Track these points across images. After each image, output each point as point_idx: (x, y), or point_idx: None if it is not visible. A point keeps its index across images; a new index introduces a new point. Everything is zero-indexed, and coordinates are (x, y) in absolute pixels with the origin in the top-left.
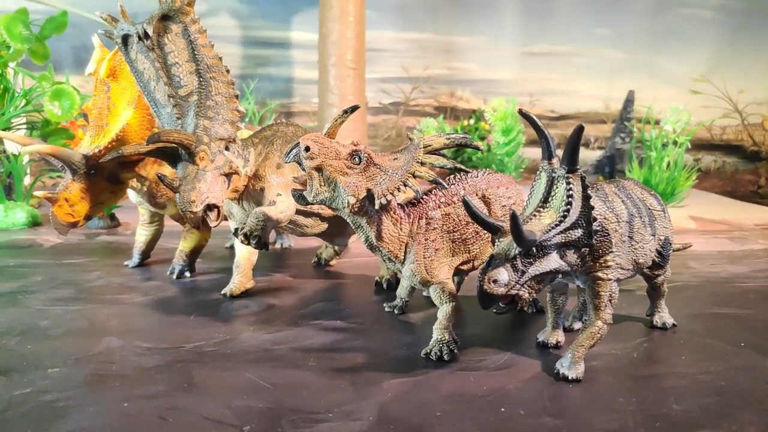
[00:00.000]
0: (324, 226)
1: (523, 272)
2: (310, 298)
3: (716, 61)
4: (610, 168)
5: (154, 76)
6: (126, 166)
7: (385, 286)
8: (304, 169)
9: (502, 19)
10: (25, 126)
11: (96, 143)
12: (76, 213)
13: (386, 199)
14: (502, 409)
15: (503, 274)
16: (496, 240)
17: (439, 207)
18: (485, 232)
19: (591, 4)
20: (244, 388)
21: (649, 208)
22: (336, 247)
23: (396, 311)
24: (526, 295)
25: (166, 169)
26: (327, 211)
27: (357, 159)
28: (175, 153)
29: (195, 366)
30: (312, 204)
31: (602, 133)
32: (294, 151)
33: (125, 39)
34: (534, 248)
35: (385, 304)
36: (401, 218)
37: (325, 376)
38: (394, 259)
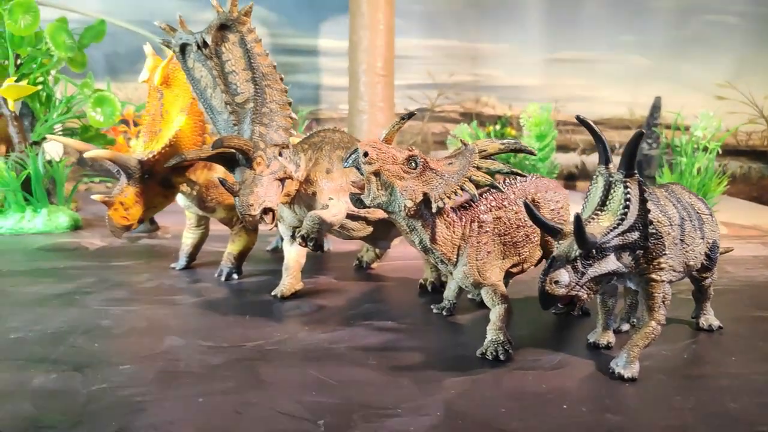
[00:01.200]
0: (369, 229)
1: (583, 273)
2: (357, 299)
3: (741, 67)
4: (638, 173)
5: (212, 84)
6: (178, 171)
7: (429, 288)
8: (362, 174)
9: (528, 27)
10: (61, 132)
11: (150, 148)
12: (131, 216)
13: (443, 203)
14: (564, 406)
15: (564, 275)
16: (556, 242)
17: (491, 210)
18: (535, 235)
19: (616, 11)
20: (311, 384)
21: (698, 212)
22: (377, 250)
23: (444, 313)
24: (585, 296)
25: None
26: (373, 215)
27: (413, 164)
28: (232, 158)
29: (259, 364)
30: (369, 207)
31: (627, 138)
32: (353, 156)
33: (183, 48)
34: (594, 250)
35: (432, 306)
36: (454, 221)
37: (387, 373)
38: (446, 262)
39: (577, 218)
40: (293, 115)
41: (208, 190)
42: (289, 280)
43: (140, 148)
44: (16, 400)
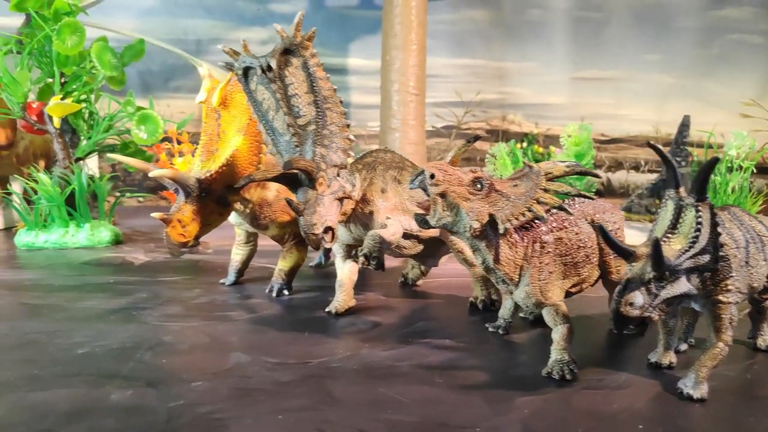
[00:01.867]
0: (420, 247)
1: (656, 295)
2: (410, 317)
3: (766, 85)
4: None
5: (274, 107)
6: (233, 190)
7: (480, 306)
8: (428, 195)
9: (553, 46)
10: (99, 149)
11: (207, 167)
12: (188, 233)
13: (510, 224)
14: (640, 427)
15: (639, 297)
16: (628, 264)
17: (552, 231)
18: (594, 256)
19: (641, 30)
20: (385, 402)
21: (759, 234)
22: (422, 268)
23: (500, 331)
24: (656, 317)
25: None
26: (425, 234)
27: (479, 185)
28: (295, 179)
29: (328, 381)
30: (433, 228)
31: (652, 156)
32: (419, 177)
33: (246, 71)
34: (666, 272)
35: (487, 325)
36: (517, 242)
37: (457, 392)
38: (508, 282)
39: (656, 242)
40: (351, 136)
41: (262, 208)
42: (343, 297)
43: (197, 167)
44: (98, 416)
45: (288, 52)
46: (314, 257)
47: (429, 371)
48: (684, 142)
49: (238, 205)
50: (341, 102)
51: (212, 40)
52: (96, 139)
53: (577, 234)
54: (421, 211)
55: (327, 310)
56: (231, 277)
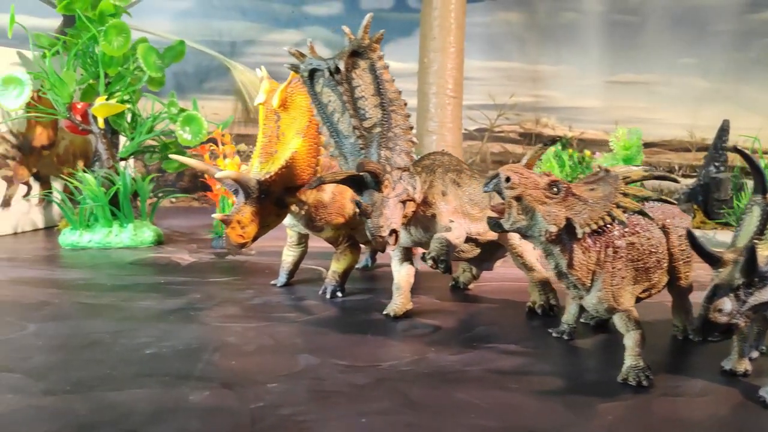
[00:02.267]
0: (477, 251)
1: (744, 302)
2: (469, 321)
3: None
4: (704, 197)
5: (340, 109)
6: (290, 192)
7: (540, 312)
8: (503, 199)
9: (588, 49)
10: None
11: (266, 169)
12: (246, 234)
13: (590, 228)
14: None
15: (728, 303)
16: (715, 271)
17: (624, 236)
18: (664, 261)
19: (677, 34)
20: (464, 407)
21: None
22: (474, 271)
23: (564, 337)
24: (743, 324)
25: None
26: (483, 238)
27: (555, 189)
28: (361, 181)
29: (403, 384)
30: (507, 231)
31: (686, 161)
32: (494, 181)
33: (312, 73)
34: (755, 279)
35: (550, 330)
36: (590, 247)
37: (534, 398)
38: (580, 287)
39: (752, 249)
40: (414, 139)
41: (318, 210)
42: (401, 300)
43: (256, 169)
44: (181, 417)
45: (356, 54)
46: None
47: (501, 376)
48: (723, 147)
49: (294, 207)
50: (405, 104)
51: (247, 42)
52: (140, 140)
53: (648, 239)
54: (494, 215)
55: (385, 312)
56: (282, 279)
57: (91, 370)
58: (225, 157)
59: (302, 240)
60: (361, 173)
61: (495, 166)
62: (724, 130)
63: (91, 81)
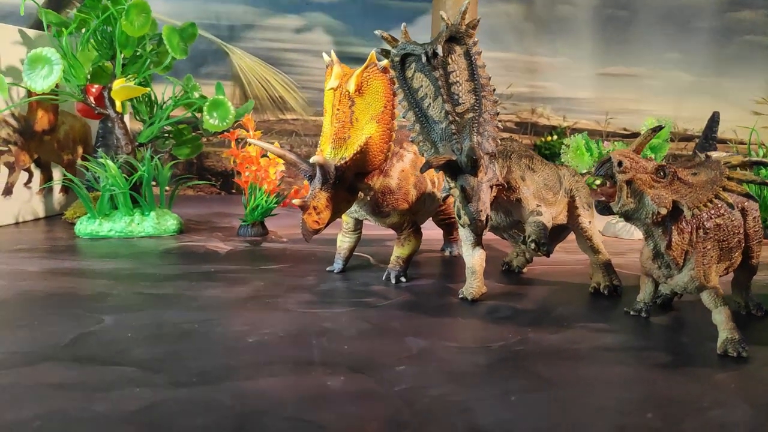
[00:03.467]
0: None
1: None
2: (544, 302)
3: None
4: None
5: (432, 94)
6: (360, 177)
7: (606, 293)
8: (614, 183)
9: (582, 42)
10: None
11: (340, 155)
12: (321, 220)
13: (698, 210)
14: None
15: None
16: None
17: (712, 218)
18: (742, 242)
19: (663, 30)
20: (596, 381)
21: None
22: (527, 255)
23: (643, 314)
24: None
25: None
26: (555, 221)
27: (662, 173)
28: (456, 165)
29: (526, 363)
30: (615, 214)
31: (669, 150)
32: (605, 165)
33: (403, 58)
34: None
35: (626, 309)
36: (684, 228)
37: (654, 371)
38: (673, 266)
39: None
40: (499, 124)
41: (384, 195)
42: (477, 284)
43: (328, 155)
44: (335, 403)
45: (452, 39)
46: None
47: (611, 352)
48: (713, 138)
49: (360, 193)
50: (494, 90)
51: (245, 26)
52: (160, 125)
53: (732, 221)
54: (602, 199)
55: (461, 296)
56: (338, 265)
57: (206, 361)
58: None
59: (357, 226)
60: (454, 158)
61: None
62: (714, 122)
63: (103, 62)
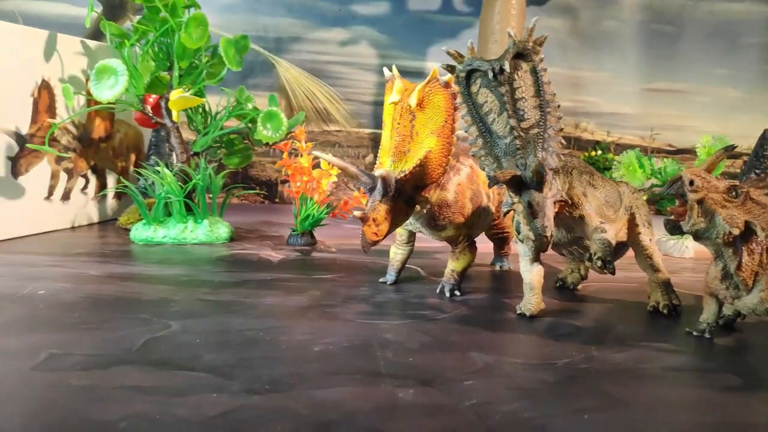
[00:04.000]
0: None
1: None
2: (603, 320)
3: None
4: None
5: (497, 109)
6: (418, 190)
7: (666, 312)
8: (686, 201)
9: (628, 57)
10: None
11: (400, 168)
12: (380, 232)
13: None
14: None
15: None
16: None
17: None
18: None
19: (711, 45)
20: (668, 403)
21: None
22: (582, 272)
23: (706, 335)
24: None
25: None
26: (616, 239)
27: (734, 193)
28: (521, 181)
29: (594, 382)
30: (685, 233)
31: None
32: (677, 183)
33: (469, 74)
34: None
35: (688, 329)
36: (754, 249)
37: (726, 393)
38: (742, 287)
39: None
40: (563, 141)
41: (441, 209)
42: (535, 300)
43: (388, 168)
44: (409, 415)
45: (519, 56)
46: None
47: (678, 373)
48: (764, 155)
49: (417, 206)
50: (559, 107)
51: (292, 39)
52: (215, 135)
53: None
54: (673, 218)
55: (519, 312)
56: (392, 276)
57: (276, 368)
58: (300, 154)
59: (411, 239)
60: (519, 174)
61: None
62: (765, 139)
63: (159, 73)
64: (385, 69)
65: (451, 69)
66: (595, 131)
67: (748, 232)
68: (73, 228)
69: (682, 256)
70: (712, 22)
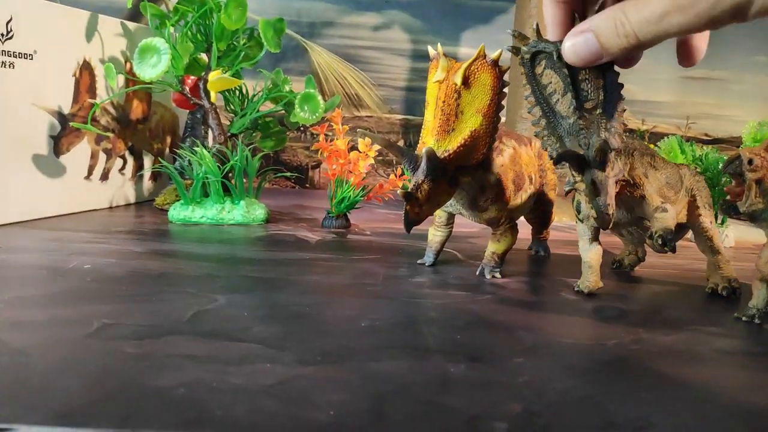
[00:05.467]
0: None
1: None
2: (650, 304)
3: None
4: None
5: (561, 90)
6: (462, 171)
7: (725, 294)
8: (743, 181)
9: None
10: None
11: (444, 147)
12: (423, 212)
13: None
14: None
15: None
16: None
17: None
18: None
19: (752, 32)
20: (725, 384)
21: None
22: (639, 254)
23: (756, 321)
24: None
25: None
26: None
27: None
28: (583, 160)
29: (646, 363)
30: (741, 215)
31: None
32: (735, 162)
33: (534, 55)
34: None
35: (737, 314)
36: None
37: None
38: None
39: None
40: (625, 122)
41: (483, 189)
42: (594, 278)
43: (433, 147)
44: (466, 389)
45: None
46: None
47: (731, 356)
48: None
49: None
50: (622, 87)
51: (325, 24)
52: (252, 116)
53: None
54: (729, 199)
55: (577, 289)
56: (430, 258)
57: (325, 342)
58: (336, 137)
59: (450, 220)
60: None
61: None
62: None
63: (197, 55)
64: (429, 47)
65: (516, 51)
66: (629, 119)
67: None
68: (111, 208)
69: (728, 245)
70: None
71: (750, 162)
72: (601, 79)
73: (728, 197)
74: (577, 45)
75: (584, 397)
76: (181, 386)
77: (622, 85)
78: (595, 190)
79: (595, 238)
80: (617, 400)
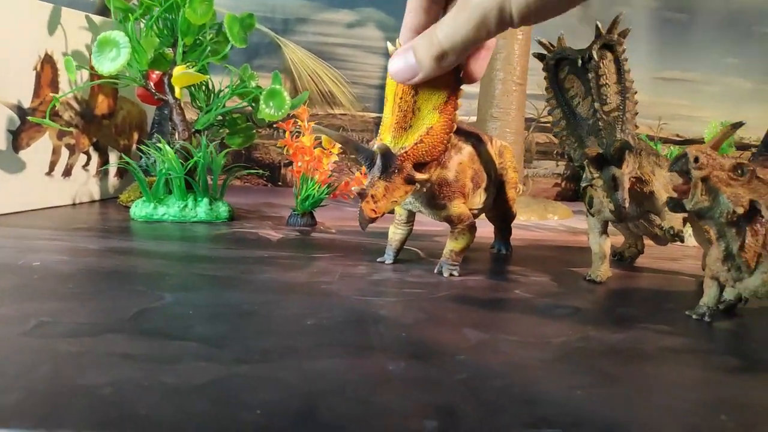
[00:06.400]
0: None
1: None
2: (601, 302)
3: None
4: None
5: (582, 94)
6: (418, 168)
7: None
8: (689, 179)
9: (638, 45)
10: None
11: (400, 144)
12: (378, 209)
13: None
14: None
15: None
16: None
17: None
18: None
19: (723, 34)
20: (664, 381)
21: None
22: (639, 247)
23: (706, 319)
24: None
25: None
26: None
27: (740, 172)
28: (602, 158)
29: (590, 361)
30: (687, 212)
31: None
32: (681, 160)
33: (558, 61)
34: None
35: (688, 312)
36: (758, 230)
37: (723, 374)
38: (745, 269)
39: None
40: (637, 124)
41: (441, 187)
42: (605, 267)
43: (389, 143)
44: (400, 386)
45: (605, 47)
46: None
47: (677, 354)
48: None
49: (417, 184)
50: (636, 92)
51: (299, 20)
52: (218, 112)
53: None
54: (675, 195)
55: (589, 278)
56: (390, 256)
57: (267, 340)
58: (301, 134)
59: (410, 218)
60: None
61: (539, 157)
62: None
63: (162, 50)
64: (388, 43)
65: (540, 57)
66: None
67: (752, 212)
68: (74, 204)
69: (685, 244)
70: (725, 10)
71: (696, 160)
72: (619, 85)
73: (675, 195)
74: (396, 63)
75: (519, 394)
76: (109, 385)
77: (635, 92)
78: (615, 185)
79: (603, 231)
80: (553, 398)
